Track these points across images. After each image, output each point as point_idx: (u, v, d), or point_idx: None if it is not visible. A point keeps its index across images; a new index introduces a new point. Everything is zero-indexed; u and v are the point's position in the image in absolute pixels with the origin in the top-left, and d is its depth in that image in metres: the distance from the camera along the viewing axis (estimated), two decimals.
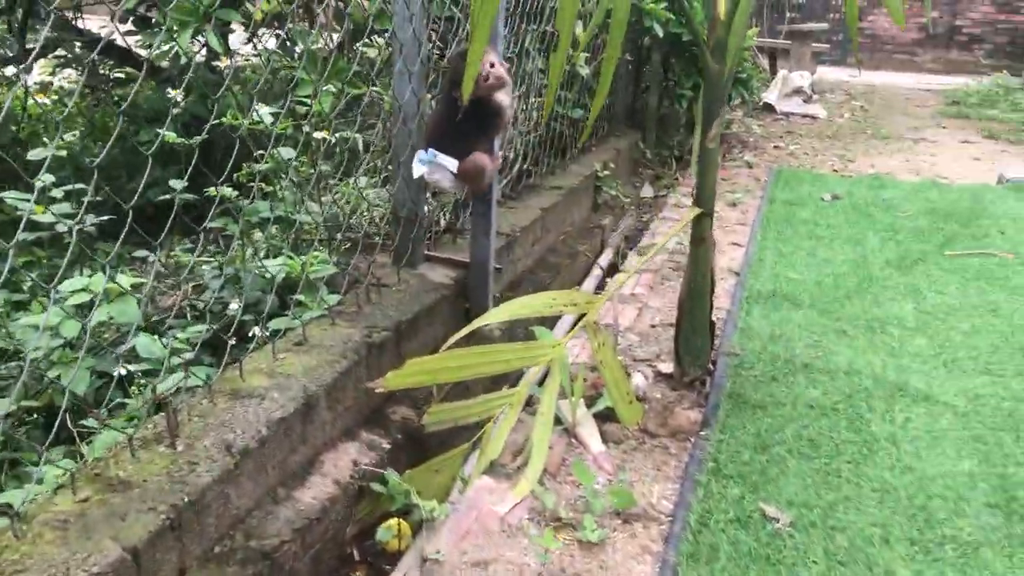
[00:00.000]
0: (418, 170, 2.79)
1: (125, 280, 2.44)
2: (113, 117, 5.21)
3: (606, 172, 4.96)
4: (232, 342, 2.28)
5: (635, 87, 6.09)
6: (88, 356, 2.39)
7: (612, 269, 4.34)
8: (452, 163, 2.75)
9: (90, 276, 2.51)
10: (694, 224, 2.40)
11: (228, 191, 3.01)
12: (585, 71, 4.73)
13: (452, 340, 2.24)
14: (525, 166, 4.16)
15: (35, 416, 2.41)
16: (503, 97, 2.73)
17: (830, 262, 3.85)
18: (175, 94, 2.94)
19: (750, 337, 2.86)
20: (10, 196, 2.88)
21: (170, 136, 2.74)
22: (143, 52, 4.57)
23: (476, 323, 2.25)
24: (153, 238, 3.32)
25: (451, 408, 2.22)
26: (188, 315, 2.79)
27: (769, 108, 8.27)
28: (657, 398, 2.45)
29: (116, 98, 5.11)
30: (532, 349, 2.19)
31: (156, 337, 2.40)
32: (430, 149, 2.75)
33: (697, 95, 6.06)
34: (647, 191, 5.66)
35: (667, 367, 2.61)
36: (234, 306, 2.57)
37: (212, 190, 3.02)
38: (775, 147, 6.71)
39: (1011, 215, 4.79)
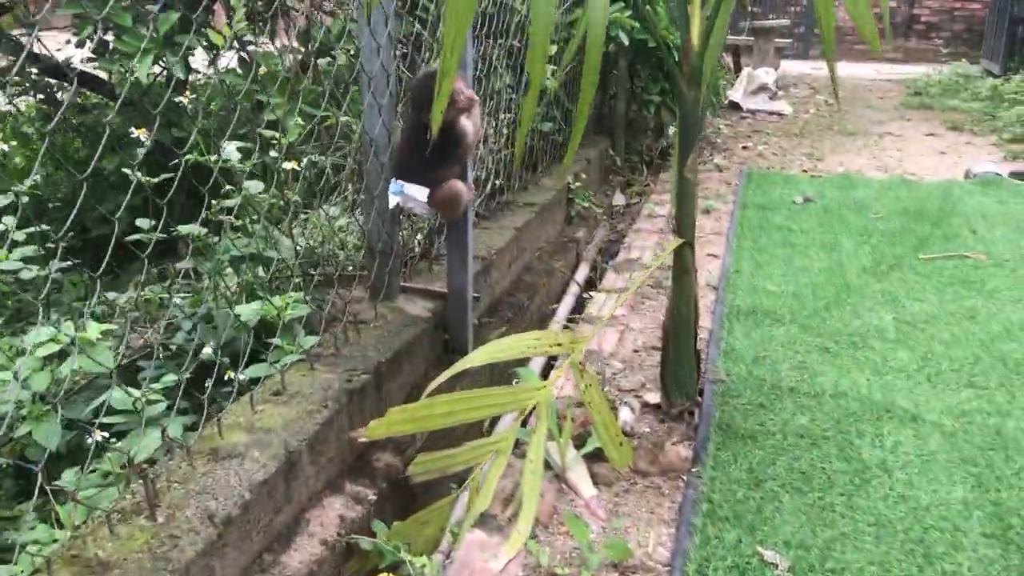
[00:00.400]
0: (392, 200, 2.75)
1: (94, 328, 2.36)
2: (74, 141, 5.10)
3: (578, 184, 4.92)
4: (209, 385, 2.23)
5: (603, 94, 6.05)
6: (59, 408, 2.31)
7: (589, 284, 4.31)
8: (422, 192, 2.71)
9: (57, 324, 2.43)
10: (676, 254, 2.36)
11: (197, 230, 2.94)
12: (554, 84, 4.69)
13: (433, 385, 2.18)
14: (498, 182, 4.12)
15: (5, 467, 2.33)
16: (466, 122, 2.69)
17: (807, 271, 3.83)
18: (140, 135, 2.84)
19: (734, 360, 2.83)
20: None
21: (137, 176, 2.65)
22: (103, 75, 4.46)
23: (457, 367, 2.19)
24: (119, 265, 3.20)
25: (437, 457, 2.16)
26: (160, 355, 2.71)
27: (735, 106, 8.27)
28: (646, 432, 2.41)
29: (77, 125, 4.99)
30: (518, 393, 2.14)
31: (130, 393, 2.30)
32: (398, 180, 2.71)
33: (664, 99, 6.04)
34: (619, 199, 5.63)
35: (654, 397, 2.57)
36: (208, 350, 2.49)
37: (181, 228, 2.95)
38: (743, 147, 6.71)
39: (980, 211, 4.82)
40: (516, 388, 2.18)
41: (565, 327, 3.63)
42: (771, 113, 8.23)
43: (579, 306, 4.01)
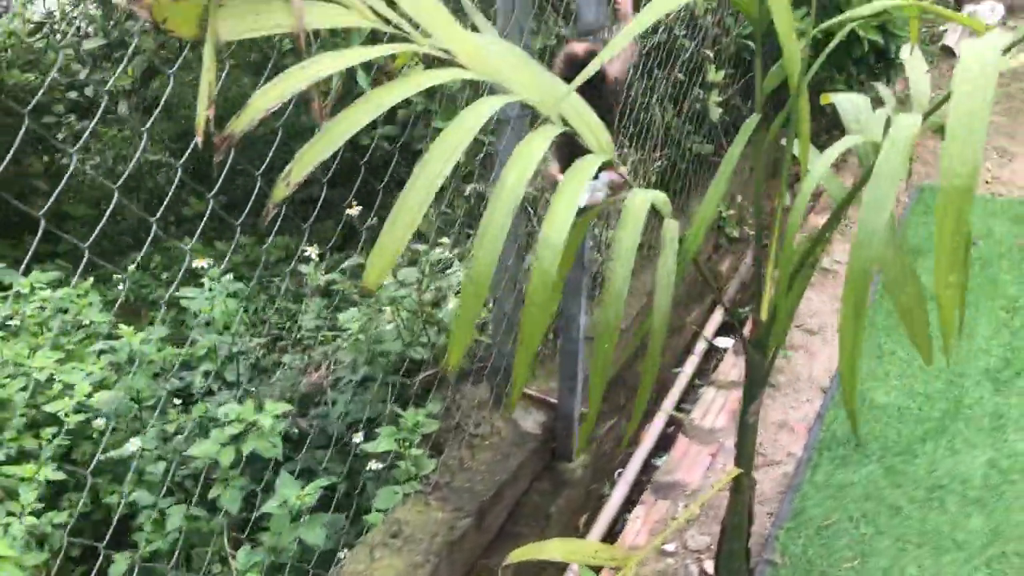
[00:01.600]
0: (585, 198, 2.66)
1: (270, 414, 2.99)
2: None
3: (730, 211, 5.03)
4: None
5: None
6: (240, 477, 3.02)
7: (725, 328, 4.54)
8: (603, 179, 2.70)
9: (241, 403, 3.09)
10: (735, 479, 2.67)
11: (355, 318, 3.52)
12: (716, 113, 4.78)
13: (511, 560, 2.66)
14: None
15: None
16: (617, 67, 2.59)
17: (925, 373, 3.90)
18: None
19: (798, 528, 3.11)
20: (184, 296, 3.50)
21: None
22: None
23: (528, 552, 2.64)
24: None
25: None
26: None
27: (950, 52, 7.67)
28: None
29: None
30: None
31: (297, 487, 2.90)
32: (600, 175, 2.65)
33: (838, 87, 5.85)
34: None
35: (712, 566, 2.96)
36: (357, 439, 3.11)
37: (341, 317, 3.53)
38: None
39: None
40: None
41: (679, 408, 3.98)
42: None
43: (705, 366, 4.29)
